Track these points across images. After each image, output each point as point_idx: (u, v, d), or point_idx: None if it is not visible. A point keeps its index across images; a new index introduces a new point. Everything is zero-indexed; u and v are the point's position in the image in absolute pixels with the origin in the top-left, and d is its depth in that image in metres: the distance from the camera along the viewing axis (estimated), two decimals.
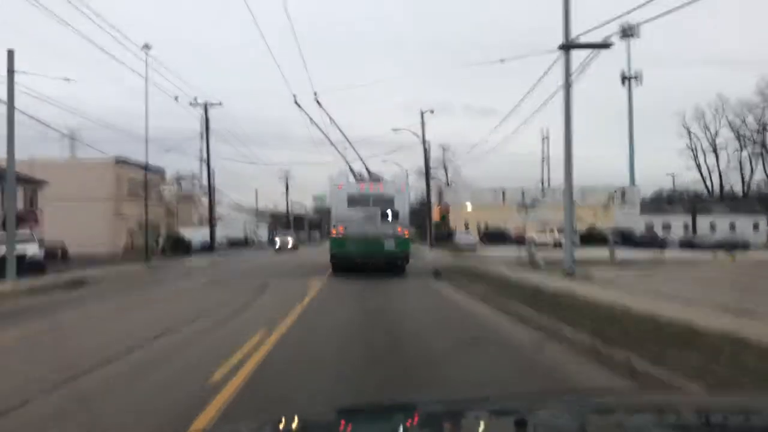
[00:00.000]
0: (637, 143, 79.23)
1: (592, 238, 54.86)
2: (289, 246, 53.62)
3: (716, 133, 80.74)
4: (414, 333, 9.51)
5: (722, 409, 2.21)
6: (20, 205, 37.08)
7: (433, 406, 2.67)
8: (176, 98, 40.53)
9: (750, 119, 78.22)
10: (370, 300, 14.16)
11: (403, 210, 21.31)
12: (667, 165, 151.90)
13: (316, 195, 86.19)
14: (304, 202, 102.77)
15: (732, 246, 45.37)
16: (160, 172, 55.44)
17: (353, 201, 21.05)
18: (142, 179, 39.58)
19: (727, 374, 5.31)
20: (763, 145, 78.41)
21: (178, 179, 57.47)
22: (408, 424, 2.16)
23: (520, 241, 45.27)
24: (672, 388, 5.20)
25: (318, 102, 24.17)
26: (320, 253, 37.09)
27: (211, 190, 50.60)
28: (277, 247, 54.31)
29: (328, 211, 24.38)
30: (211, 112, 47.79)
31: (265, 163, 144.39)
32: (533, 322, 9.54)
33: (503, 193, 70.64)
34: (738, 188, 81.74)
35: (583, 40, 18.16)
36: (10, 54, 20.07)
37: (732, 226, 66.17)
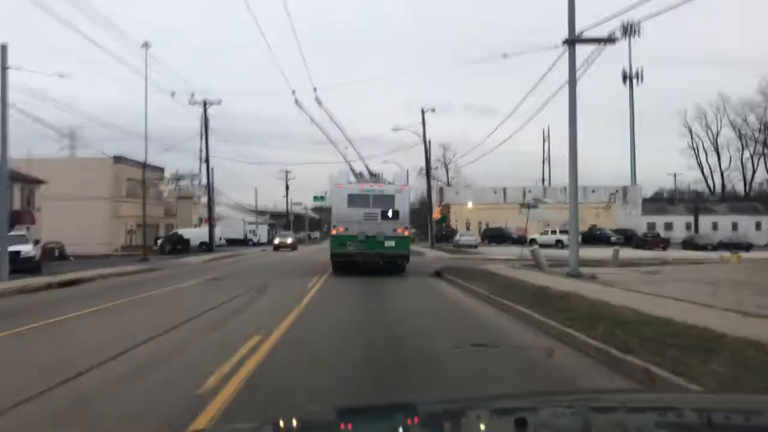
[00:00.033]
0: (638, 143, 78.82)
1: (594, 237, 54.52)
2: (288, 245, 53.02)
3: (718, 133, 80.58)
4: (415, 334, 9.13)
5: (723, 409, 2.18)
6: (17, 204, 36.75)
7: (433, 405, 2.64)
8: (173, 94, 40.28)
9: (752, 118, 78.07)
10: (370, 300, 14.01)
11: (404, 209, 21.25)
12: (667, 165, 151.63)
13: (316, 194, 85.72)
14: (304, 201, 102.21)
15: (735, 246, 45.05)
16: (159, 171, 55.08)
17: (353, 200, 20.99)
18: (141, 178, 39.26)
19: (758, 384, 4.92)
20: (764, 144, 78.12)
21: (177, 178, 57.00)
22: (408, 424, 2.15)
23: (521, 240, 44.87)
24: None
25: (318, 101, 24.24)
26: (320, 252, 36.76)
27: (210, 189, 50.22)
28: (275, 246, 53.75)
29: (329, 211, 24.35)
30: (212, 112, 47.69)
31: (265, 163, 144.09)
32: (541, 326, 9.15)
33: (504, 192, 70.31)
34: (740, 188, 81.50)
35: (585, 36, 17.83)
36: (3, 49, 19.71)
37: (734, 226, 65.86)
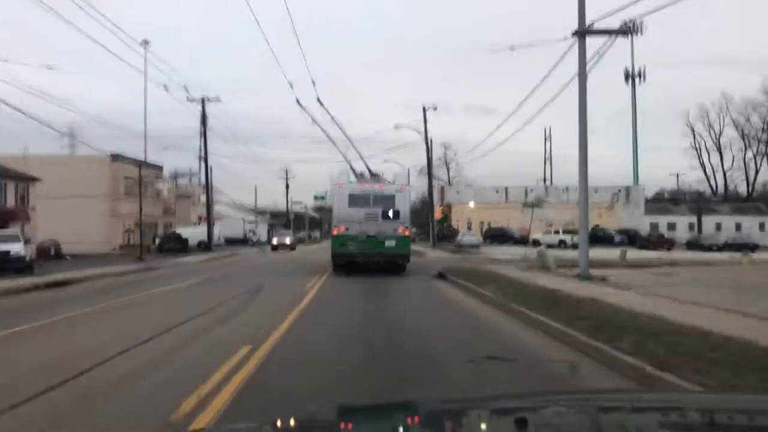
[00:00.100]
0: (639, 142, 78.07)
1: (597, 238, 53.88)
2: (287, 245, 52.12)
3: (720, 133, 79.79)
4: (422, 344, 8.40)
5: (723, 409, 2.16)
6: (11, 202, 36.09)
7: (433, 405, 2.61)
8: (165, 86, 39.60)
9: (755, 118, 77.31)
10: (370, 300, 13.84)
11: (404, 209, 21.45)
12: (667, 164, 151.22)
13: (316, 194, 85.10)
14: (304, 200, 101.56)
15: (740, 247, 44.45)
16: (157, 170, 54.43)
17: (354, 200, 21.13)
18: (138, 176, 38.73)
19: None
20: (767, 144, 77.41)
21: (175, 176, 56.39)
22: (408, 423, 2.15)
23: (524, 240, 44.25)
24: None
25: (320, 101, 24.51)
26: (320, 252, 36.21)
27: (208, 188, 49.60)
28: (273, 246, 52.91)
29: (329, 210, 25.35)
30: (212, 111, 47.02)
31: (265, 162, 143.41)
32: (560, 336, 8.41)
33: (506, 192, 69.67)
34: (742, 188, 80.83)
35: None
36: None
37: (738, 227, 65.27)
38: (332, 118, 25.28)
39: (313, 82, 23.90)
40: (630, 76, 70.56)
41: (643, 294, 12.50)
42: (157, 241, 48.87)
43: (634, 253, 36.59)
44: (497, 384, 6.15)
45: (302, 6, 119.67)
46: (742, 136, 78.51)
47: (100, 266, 25.26)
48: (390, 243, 20.73)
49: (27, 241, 24.79)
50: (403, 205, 21.35)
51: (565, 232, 53.64)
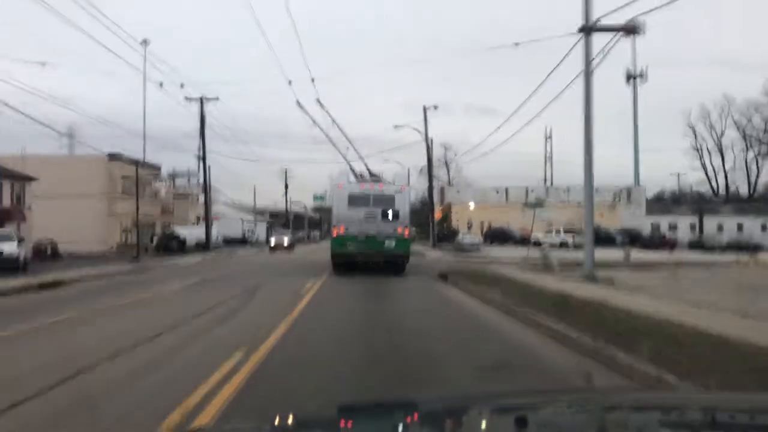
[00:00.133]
0: (640, 143, 77.69)
1: (599, 238, 53.51)
2: (285, 245, 51.43)
3: (722, 133, 79.42)
4: (426, 353, 7.82)
5: (724, 409, 2.13)
6: (6, 201, 35.70)
7: (433, 403, 2.61)
8: (161, 84, 39.41)
9: (756, 119, 76.94)
10: (370, 301, 13.71)
11: (404, 209, 21.49)
12: (668, 165, 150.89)
13: (316, 194, 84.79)
14: (304, 201, 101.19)
15: (743, 248, 44.11)
16: (155, 169, 54.04)
17: (354, 200, 21.20)
18: (136, 176, 38.42)
19: None
20: None
21: (173, 176, 55.97)
22: (408, 422, 2.14)
23: (525, 240, 43.88)
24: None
25: (319, 102, 24.92)
26: (320, 252, 35.85)
27: (207, 187, 49.18)
28: (271, 246, 52.35)
29: (329, 211, 24.90)
30: (211, 110, 46.64)
31: (265, 162, 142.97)
32: (572, 343, 7.91)
33: (506, 192, 69.34)
34: (743, 189, 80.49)
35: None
36: None
37: (739, 227, 64.96)
38: (333, 120, 25.58)
39: (313, 81, 23.78)
40: (631, 77, 70.35)
41: (655, 297, 12.09)
42: (155, 240, 48.51)
43: (637, 254, 36.20)
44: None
45: (302, 6, 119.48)
46: (744, 137, 78.23)
47: (95, 266, 24.84)
48: (390, 243, 20.72)
49: (21, 241, 24.37)
50: (403, 205, 21.35)
51: (566, 232, 53.29)
